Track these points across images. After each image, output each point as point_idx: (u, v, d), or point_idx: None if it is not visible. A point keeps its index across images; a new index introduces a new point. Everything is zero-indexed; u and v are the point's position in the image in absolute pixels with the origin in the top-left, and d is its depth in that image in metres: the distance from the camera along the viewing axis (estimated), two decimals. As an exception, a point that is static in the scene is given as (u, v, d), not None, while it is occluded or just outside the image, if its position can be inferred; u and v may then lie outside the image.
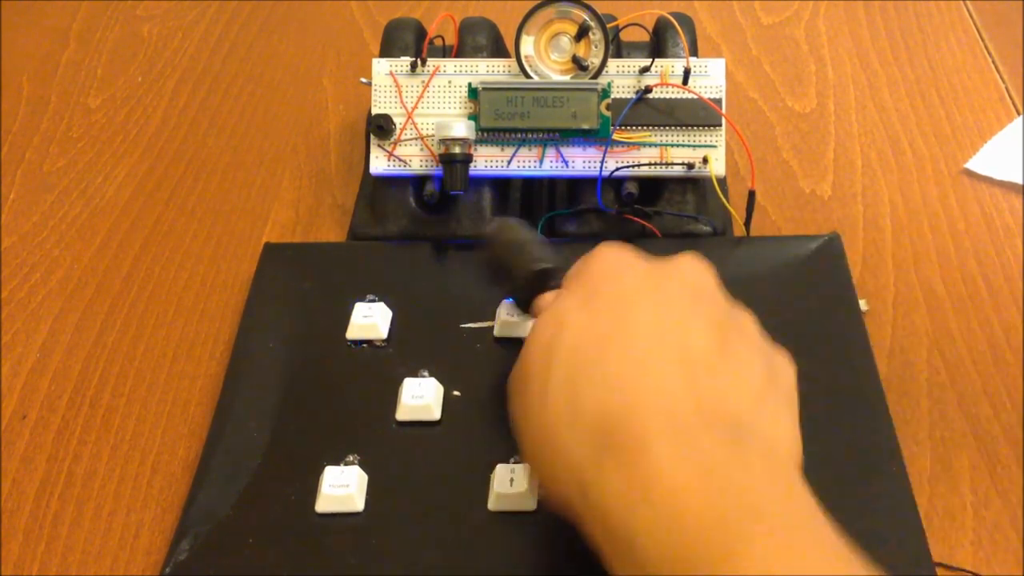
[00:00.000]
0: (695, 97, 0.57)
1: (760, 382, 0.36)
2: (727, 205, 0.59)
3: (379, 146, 0.59)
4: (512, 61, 0.58)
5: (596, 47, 0.57)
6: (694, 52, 0.59)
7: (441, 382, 0.51)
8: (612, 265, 0.40)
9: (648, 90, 0.57)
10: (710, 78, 0.58)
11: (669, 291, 0.38)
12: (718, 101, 0.57)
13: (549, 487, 0.36)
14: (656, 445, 0.32)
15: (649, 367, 0.35)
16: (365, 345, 0.54)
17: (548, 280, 0.44)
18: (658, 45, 0.59)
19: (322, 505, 0.46)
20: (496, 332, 0.53)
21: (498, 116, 0.57)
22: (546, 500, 0.36)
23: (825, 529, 0.31)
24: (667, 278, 0.39)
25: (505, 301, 0.52)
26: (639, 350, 0.35)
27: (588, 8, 0.57)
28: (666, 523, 0.30)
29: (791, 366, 0.39)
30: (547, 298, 0.44)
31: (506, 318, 0.53)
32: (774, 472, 0.33)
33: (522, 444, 0.37)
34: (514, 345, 0.53)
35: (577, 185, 0.59)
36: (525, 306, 0.46)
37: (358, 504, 0.46)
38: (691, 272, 0.40)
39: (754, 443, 0.33)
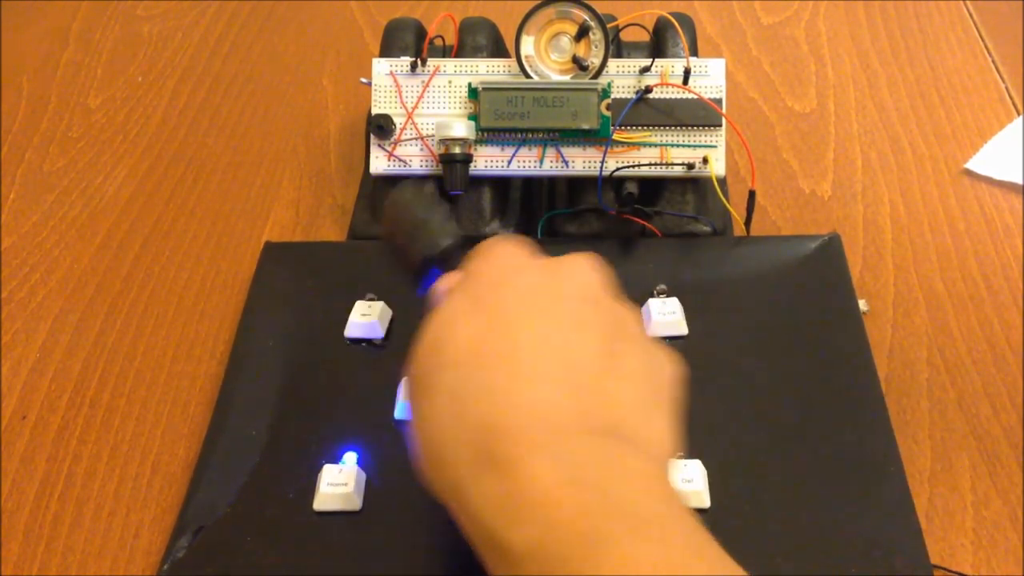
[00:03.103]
0: (695, 97, 0.57)
1: (643, 386, 0.37)
2: (727, 205, 0.59)
3: (379, 146, 0.59)
4: (512, 61, 0.58)
5: (596, 47, 0.57)
6: (694, 52, 0.59)
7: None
8: (503, 266, 0.40)
9: (648, 90, 0.57)
10: (710, 78, 0.58)
11: (557, 297, 0.38)
12: (718, 101, 0.57)
13: (431, 485, 0.36)
14: (533, 458, 0.33)
15: (533, 379, 0.35)
16: (364, 344, 0.54)
17: (451, 257, 0.43)
18: (658, 45, 0.59)
19: (320, 503, 0.46)
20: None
21: (498, 116, 0.57)
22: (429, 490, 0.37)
23: (695, 530, 0.32)
24: (557, 280, 0.39)
25: None
26: (524, 362, 0.35)
27: (588, 8, 0.57)
28: (538, 533, 0.31)
29: (671, 364, 0.39)
30: (441, 285, 0.43)
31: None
32: (648, 475, 0.34)
33: (413, 435, 0.37)
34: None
35: (577, 185, 0.59)
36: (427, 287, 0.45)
37: (356, 503, 0.46)
38: (580, 273, 0.40)
39: (631, 447, 0.34)
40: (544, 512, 0.31)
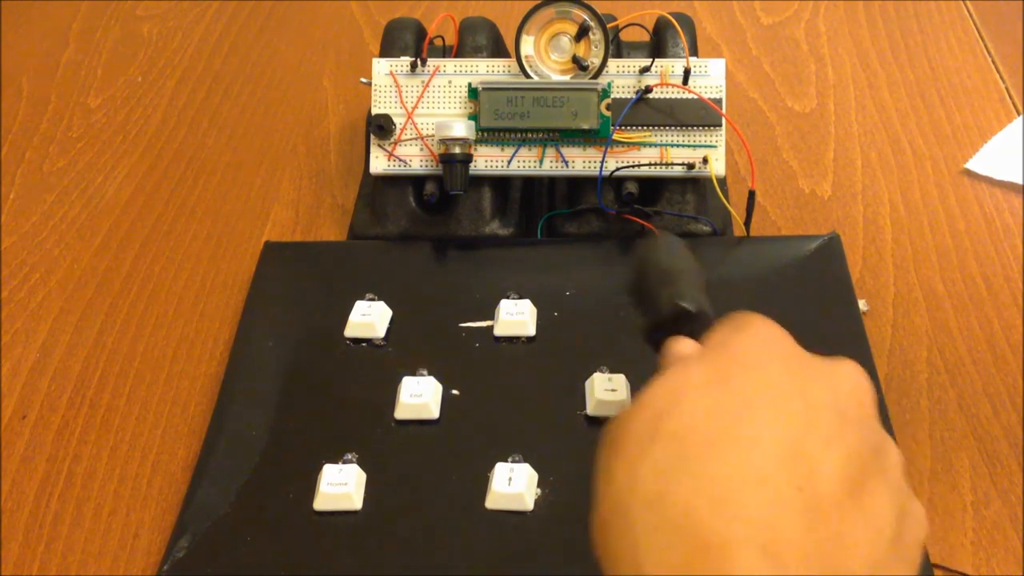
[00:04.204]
0: (695, 97, 0.57)
1: (887, 538, 0.31)
2: (727, 205, 0.59)
3: (379, 146, 0.59)
4: (512, 61, 0.58)
5: (596, 47, 0.57)
6: (694, 52, 0.59)
7: (440, 381, 0.51)
8: (759, 348, 0.35)
9: (648, 90, 0.57)
10: (710, 78, 0.58)
11: (814, 399, 0.32)
12: (718, 101, 0.57)
13: (601, 548, 0.32)
14: None
15: (761, 485, 0.30)
16: (364, 344, 0.54)
17: (688, 323, 0.39)
18: (658, 45, 0.59)
19: (320, 503, 0.46)
20: (495, 331, 0.53)
21: (498, 116, 0.57)
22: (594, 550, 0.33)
23: None
24: (817, 382, 0.33)
25: None
26: (756, 460, 0.30)
27: (588, 8, 0.57)
28: None
29: (924, 521, 0.33)
30: (678, 349, 0.38)
31: (508, 322, 0.53)
32: None
33: (596, 504, 0.33)
34: (513, 343, 0.53)
35: (577, 185, 0.59)
36: (655, 343, 0.41)
37: (356, 502, 0.46)
38: (847, 383, 0.34)
39: None
40: None
